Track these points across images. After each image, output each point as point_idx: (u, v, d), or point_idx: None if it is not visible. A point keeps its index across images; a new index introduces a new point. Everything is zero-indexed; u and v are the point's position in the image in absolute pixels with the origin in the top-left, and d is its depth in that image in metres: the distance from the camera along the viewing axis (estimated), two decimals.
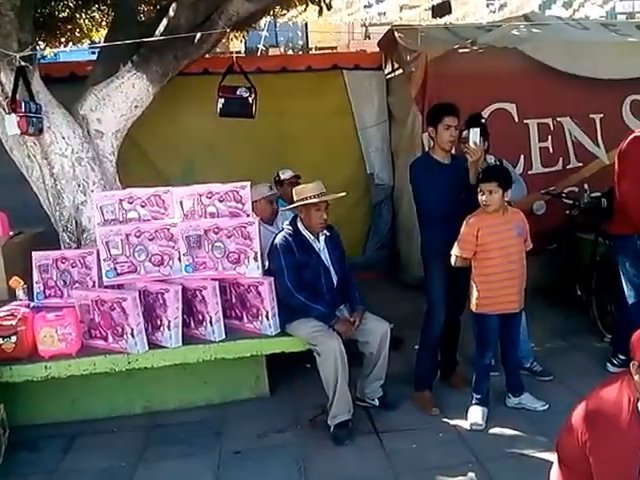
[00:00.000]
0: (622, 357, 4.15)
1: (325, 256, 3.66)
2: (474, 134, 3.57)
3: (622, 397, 2.15)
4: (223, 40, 7.97)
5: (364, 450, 3.41)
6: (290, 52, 15.35)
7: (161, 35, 4.36)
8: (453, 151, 3.84)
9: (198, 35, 4.37)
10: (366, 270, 6.58)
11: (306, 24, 15.51)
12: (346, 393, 3.49)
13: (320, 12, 4.79)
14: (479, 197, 3.44)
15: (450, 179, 3.62)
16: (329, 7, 4.80)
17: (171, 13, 4.42)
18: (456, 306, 3.89)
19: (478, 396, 3.64)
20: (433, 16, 11.31)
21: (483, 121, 4.00)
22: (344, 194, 3.73)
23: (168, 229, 3.67)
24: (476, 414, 3.59)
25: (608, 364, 4.21)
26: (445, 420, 3.67)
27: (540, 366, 4.19)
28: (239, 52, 13.13)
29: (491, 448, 3.36)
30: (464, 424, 3.59)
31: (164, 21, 4.45)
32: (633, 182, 3.73)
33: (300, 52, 15.54)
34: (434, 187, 3.62)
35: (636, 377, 2.12)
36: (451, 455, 3.31)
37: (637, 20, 13.57)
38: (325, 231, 3.67)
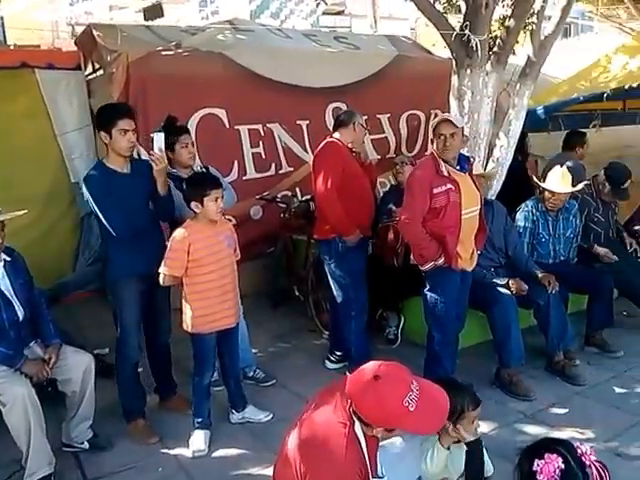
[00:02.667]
0: (338, 353, 4.31)
1: (5, 286, 3.04)
2: (158, 139, 3.22)
3: (336, 422, 2.06)
4: None
5: None
6: None
7: None
8: None
9: None
10: (79, 289, 5.99)
11: (2, 18, 13.84)
12: (43, 444, 2.98)
13: None
14: (209, 206, 3.15)
15: (132, 190, 3.23)
16: None
17: None
18: (160, 330, 3.61)
19: (199, 419, 3.41)
20: (145, 19, 10.91)
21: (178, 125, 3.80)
22: (24, 212, 3.13)
23: None
24: (198, 439, 3.36)
25: (327, 361, 4.33)
26: (166, 451, 3.37)
27: (263, 372, 4.14)
28: None
29: (215, 474, 3.15)
30: (186, 452, 3.32)
31: None
32: (325, 186, 3.80)
33: None
34: (114, 201, 3.16)
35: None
36: None
37: (336, 32, 14.76)
38: (4, 256, 3.08)
